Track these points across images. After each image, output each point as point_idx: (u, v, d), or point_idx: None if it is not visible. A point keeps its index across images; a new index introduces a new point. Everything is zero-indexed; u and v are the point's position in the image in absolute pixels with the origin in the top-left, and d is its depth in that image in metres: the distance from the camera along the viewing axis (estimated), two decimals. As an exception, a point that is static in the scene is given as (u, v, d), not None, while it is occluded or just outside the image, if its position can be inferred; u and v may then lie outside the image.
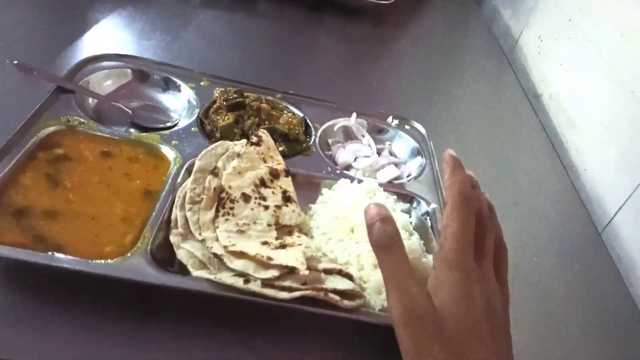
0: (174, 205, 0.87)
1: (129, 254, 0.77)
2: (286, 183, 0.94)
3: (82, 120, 0.99)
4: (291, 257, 0.77)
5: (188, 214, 0.85)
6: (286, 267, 0.75)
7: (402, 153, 1.18)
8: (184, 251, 0.80)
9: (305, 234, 0.91)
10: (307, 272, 0.74)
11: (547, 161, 1.38)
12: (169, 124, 1.10)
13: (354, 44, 1.70)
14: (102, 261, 0.75)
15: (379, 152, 1.16)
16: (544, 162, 1.37)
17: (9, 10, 1.34)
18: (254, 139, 0.97)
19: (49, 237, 0.79)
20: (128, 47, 1.34)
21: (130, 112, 1.09)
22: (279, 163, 0.96)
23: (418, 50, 1.76)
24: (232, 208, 0.86)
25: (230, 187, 0.88)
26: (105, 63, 1.15)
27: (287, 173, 0.96)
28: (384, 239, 0.68)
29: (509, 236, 0.78)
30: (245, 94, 1.15)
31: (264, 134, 0.99)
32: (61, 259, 0.74)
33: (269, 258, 0.76)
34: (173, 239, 0.83)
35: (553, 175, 1.33)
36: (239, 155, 0.93)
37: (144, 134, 1.01)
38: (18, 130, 0.91)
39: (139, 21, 1.46)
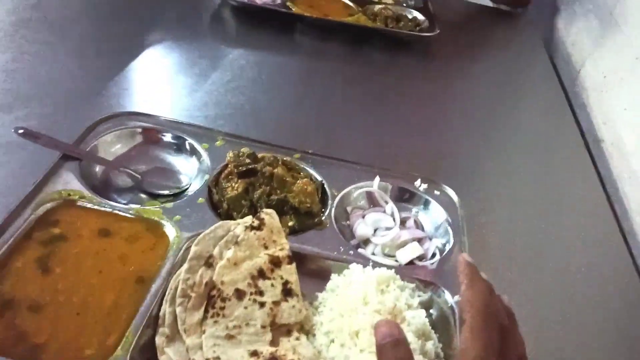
0: (164, 298, 0.81)
1: (107, 364, 0.72)
2: (288, 272, 0.86)
3: (84, 193, 0.95)
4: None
5: (178, 310, 0.79)
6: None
7: (429, 224, 1.06)
8: (167, 358, 0.74)
9: (307, 332, 0.83)
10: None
11: (604, 226, 1.20)
12: (176, 191, 1.04)
13: (396, 82, 1.58)
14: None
15: (403, 222, 1.05)
16: (601, 227, 1.20)
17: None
18: (255, 223, 0.89)
19: (30, 334, 0.75)
20: (147, 97, 1.28)
21: (139, 177, 1.04)
22: (282, 248, 0.88)
23: (465, 86, 1.61)
24: (222, 308, 0.79)
25: (222, 283, 0.80)
26: (117, 123, 1.11)
27: (291, 260, 0.87)
28: None
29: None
30: (260, 156, 1.08)
31: (267, 215, 0.91)
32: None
33: (251, 386, 0.68)
34: (158, 340, 0.77)
35: (611, 245, 1.16)
36: (236, 243, 0.86)
37: (147, 207, 0.96)
38: (16, 207, 0.89)
39: (165, 62, 1.43)
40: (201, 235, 0.87)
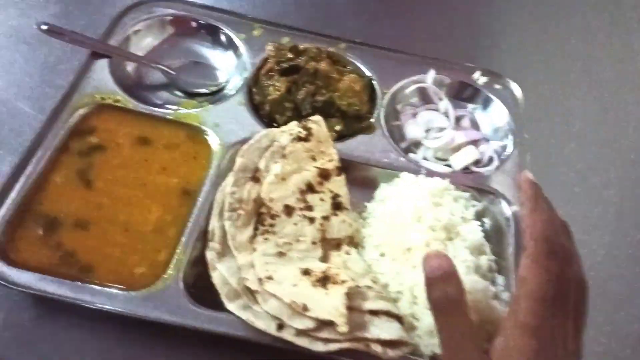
0: (212, 212, 0.79)
1: (159, 284, 0.72)
2: (338, 184, 0.82)
3: (119, 95, 0.90)
4: (331, 306, 0.67)
5: (227, 225, 0.77)
6: (323, 320, 0.67)
7: (487, 124, 0.98)
8: (219, 275, 0.73)
9: (357, 244, 0.81)
10: (345, 328, 0.65)
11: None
12: (214, 89, 0.98)
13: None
14: (133, 293, 0.71)
15: (457, 121, 0.97)
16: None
17: None
18: (303, 133, 0.83)
19: (78, 254, 0.75)
20: None
21: (173, 73, 0.97)
22: (331, 159, 0.83)
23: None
24: (272, 225, 0.76)
25: (271, 200, 0.77)
26: (145, 11, 1.00)
27: (340, 171, 0.82)
28: (444, 302, 0.59)
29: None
30: (302, 48, 0.98)
31: (314, 123, 0.84)
32: (86, 290, 0.70)
33: (305, 308, 0.67)
34: (209, 255, 0.76)
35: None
36: (283, 155, 0.81)
37: (185, 111, 0.90)
38: (49, 116, 0.85)
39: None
40: (246, 146, 0.82)
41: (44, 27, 0.91)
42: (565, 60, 1.14)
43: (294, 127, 0.85)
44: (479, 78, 1.00)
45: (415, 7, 1.18)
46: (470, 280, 0.71)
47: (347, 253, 0.78)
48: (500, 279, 0.78)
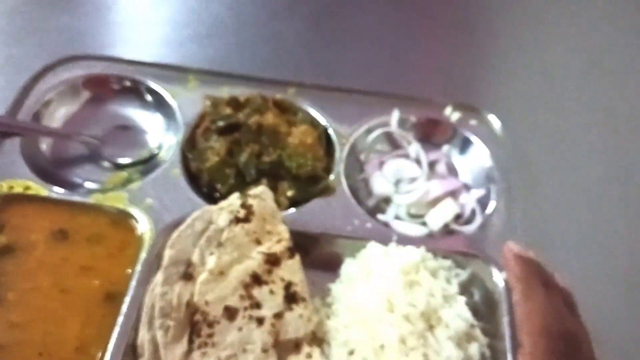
0: (142, 321, 0.65)
1: None
2: (291, 270, 0.68)
3: (30, 182, 0.76)
4: None
5: (158, 334, 0.63)
6: None
7: (466, 167, 0.85)
8: (151, 406, 0.60)
9: (321, 341, 0.68)
10: None
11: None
12: (145, 156, 0.84)
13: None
14: None
15: (431, 166, 0.83)
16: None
17: None
18: (241, 213, 0.69)
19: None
20: (91, 32, 1.00)
21: (96, 142, 0.84)
22: (280, 239, 0.69)
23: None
24: (210, 335, 0.63)
25: (207, 303, 0.64)
26: (57, 78, 0.87)
27: (292, 253, 0.69)
28: None
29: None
30: (244, 99, 0.85)
31: (255, 198, 0.71)
32: None
33: None
34: (138, 381, 0.63)
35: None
36: (220, 244, 0.67)
37: (108, 194, 0.77)
38: (-54, 217, 0.72)
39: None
40: (175, 234, 0.69)
41: None
42: (553, 86, 0.99)
43: (234, 201, 0.72)
44: (452, 114, 0.86)
45: (370, 39, 1.02)
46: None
47: (309, 356, 0.65)
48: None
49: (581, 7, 1.13)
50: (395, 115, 0.85)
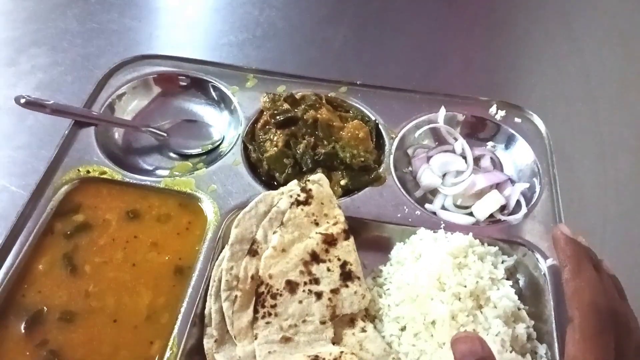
0: (208, 292, 0.71)
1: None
2: (346, 250, 0.73)
3: (105, 167, 0.83)
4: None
5: (225, 306, 0.68)
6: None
7: (510, 162, 0.88)
8: (218, 368, 0.65)
9: (374, 317, 0.72)
10: None
11: None
12: (209, 147, 0.91)
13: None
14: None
15: (477, 161, 0.87)
16: None
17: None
18: (302, 196, 0.74)
19: (64, 352, 0.67)
20: (158, 34, 1.10)
21: (164, 135, 0.90)
22: (336, 222, 0.74)
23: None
24: (274, 306, 0.68)
25: (270, 277, 0.69)
26: (130, 72, 0.94)
27: (347, 235, 0.74)
28: None
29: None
30: (299, 96, 0.90)
31: (315, 183, 0.76)
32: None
33: (313, 410, 0.58)
34: (206, 344, 0.68)
35: None
36: (282, 223, 0.72)
37: (177, 179, 0.83)
38: (32, 195, 0.78)
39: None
40: (241, 215, 0.74)
41: (22, 101, 0.85)
42: (592, 85, 1.03)
43: (293, 187, 0.77)
44: (497, 112, 0.90)
45: (417, 41, 1.08)
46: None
47: (363, 330, 0.69)
48: (542, 349, 0.68)
49: (621, 8, 1.17)
50: (442, 112, 0.89)
